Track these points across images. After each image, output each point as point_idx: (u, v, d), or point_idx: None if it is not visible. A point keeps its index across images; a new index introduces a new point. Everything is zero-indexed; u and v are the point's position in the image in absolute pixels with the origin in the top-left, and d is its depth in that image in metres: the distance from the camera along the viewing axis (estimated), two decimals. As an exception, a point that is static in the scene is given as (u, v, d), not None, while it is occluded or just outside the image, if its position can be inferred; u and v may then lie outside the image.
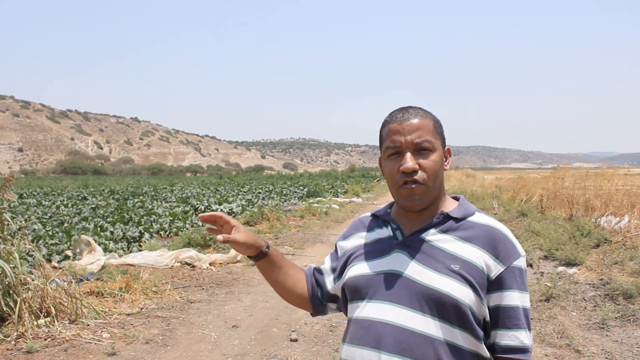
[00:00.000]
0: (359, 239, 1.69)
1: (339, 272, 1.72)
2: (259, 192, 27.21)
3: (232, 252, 9.57)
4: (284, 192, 27.70)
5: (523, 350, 1.47)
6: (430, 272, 1.48)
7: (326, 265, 1.81)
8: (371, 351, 1.46)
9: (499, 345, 1.48)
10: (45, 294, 5.71)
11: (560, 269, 8.06)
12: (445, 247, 1.51)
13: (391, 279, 1.51)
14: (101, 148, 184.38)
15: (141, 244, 10.78)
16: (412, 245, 1.54)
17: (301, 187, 31.37)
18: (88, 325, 5.71)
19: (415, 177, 1.49)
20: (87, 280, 7.45)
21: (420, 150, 1.50)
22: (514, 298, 1.47)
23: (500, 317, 1.48)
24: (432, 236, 1.54)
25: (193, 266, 8.96)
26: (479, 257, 1.48)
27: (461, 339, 1.45)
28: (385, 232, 1.63)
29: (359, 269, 1.59)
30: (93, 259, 8.55)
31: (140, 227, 11.84)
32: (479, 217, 1.57)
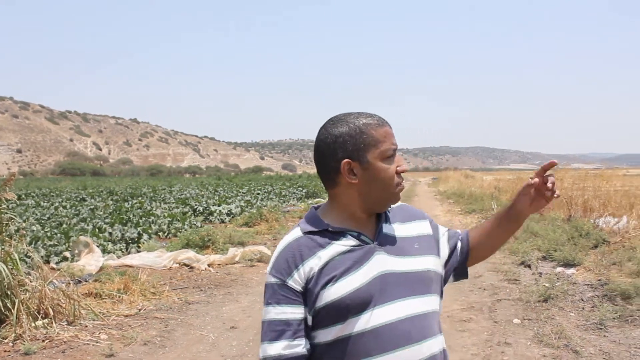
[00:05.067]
0: (317, 261, 1.54)
1: (312, 301, 1.54)
2: (258, 193, 27.18)
3: (230, 253, 9.59)
4: (283, 193, 27.67)
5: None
6: (407, 259, 1.59)
7: (296, 314, 1.55)
8: (406, 348, 1.49)
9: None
10: (43, 295, 5.71)
11: (559, 269, 8.07)
12: (401, 234, 1.65)
13: (386, 279, 1.53)
14: (100, 149, 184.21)
15: (140, 245, 10.77)
16: (383, 243, 1.59)
17: (300, 188, 31.32)
18: (86, 326, 5.71)
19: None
20: (86, 281, 7.45)
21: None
22: (443, 230, 1.79)
23: (456, 244, 1.77)
24: (389, 230, 1.64)
25: (191, 267, 8.97)
26: (419, 227, 1.71)
27: (439, 303, 1.66)
28: (348, 242, 1.57)
29: (348, 284, 1.50)
30: (91, 260, 8.55)
31: (138, 228, 11.83)
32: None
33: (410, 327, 1.51)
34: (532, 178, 1.65)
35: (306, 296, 1.53)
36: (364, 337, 1.49)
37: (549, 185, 1.63)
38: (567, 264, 8.23)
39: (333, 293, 1.49)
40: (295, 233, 1.62)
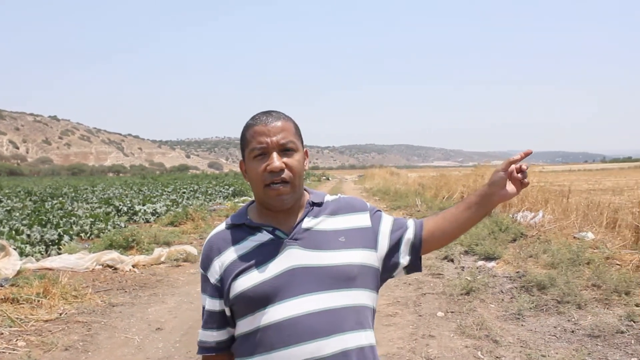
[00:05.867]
0: (231, 254, 1.63)
1: (227, 293, 1.62)
2: (184, 192, 26.79)
3: (156, 253, 9.41)
4: (209, 192, 27.42)
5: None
6: (326, 253, 1.59)
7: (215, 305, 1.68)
8: (310, 343, 1.49)
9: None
10: (-46, 301, 5.43)
11: (480, 263, 8.36)
12: (326, 227, 1.65)
13: (295, 273, 1.55)
14: (17, 148, 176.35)
15: (60, 247, 10.39)
16: (300, 238, 1.61)
17: (226, 187, 31.12)
18: (2, 334, 5.47)
19: (282, 175, 1.57)
20: (1, 286, 7.11)
21: (285, 150, 1.59)
22: (387, 221, 1.74)
23: (401, 236, 1.71)
24: (311, 224, 1.64)
25: (115, 268, 8.73)
26: (353, 219, 1.68)
27: (368, 298, 1.63)
28: (262, 237, 1.63)
29: (253, 278, 1.56)
30: (7, 264, 8.17)
31: (59, 230, 11.39)
32: (330, 197, 1.76)
33: (316, 322, 1.51)
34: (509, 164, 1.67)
35: (222, 288, 1.63)
36: (270, 330, 1.53)
37: (521, 174, 1.67)
38: (488, 258, 8.54)
39: (239, 285, 1.56)
40: (220, 227, 1.73)
